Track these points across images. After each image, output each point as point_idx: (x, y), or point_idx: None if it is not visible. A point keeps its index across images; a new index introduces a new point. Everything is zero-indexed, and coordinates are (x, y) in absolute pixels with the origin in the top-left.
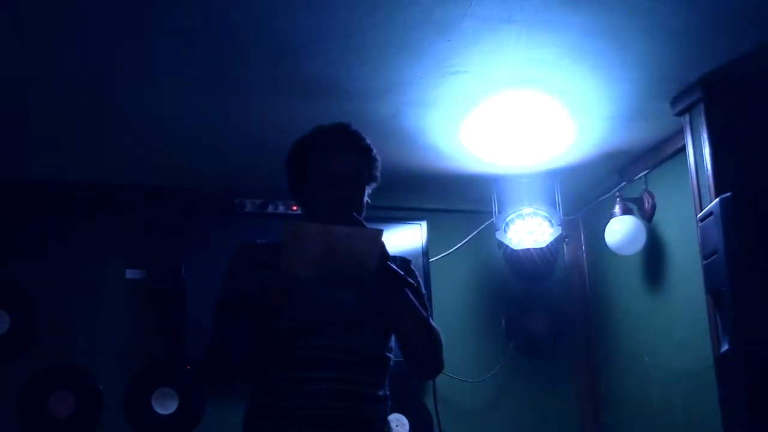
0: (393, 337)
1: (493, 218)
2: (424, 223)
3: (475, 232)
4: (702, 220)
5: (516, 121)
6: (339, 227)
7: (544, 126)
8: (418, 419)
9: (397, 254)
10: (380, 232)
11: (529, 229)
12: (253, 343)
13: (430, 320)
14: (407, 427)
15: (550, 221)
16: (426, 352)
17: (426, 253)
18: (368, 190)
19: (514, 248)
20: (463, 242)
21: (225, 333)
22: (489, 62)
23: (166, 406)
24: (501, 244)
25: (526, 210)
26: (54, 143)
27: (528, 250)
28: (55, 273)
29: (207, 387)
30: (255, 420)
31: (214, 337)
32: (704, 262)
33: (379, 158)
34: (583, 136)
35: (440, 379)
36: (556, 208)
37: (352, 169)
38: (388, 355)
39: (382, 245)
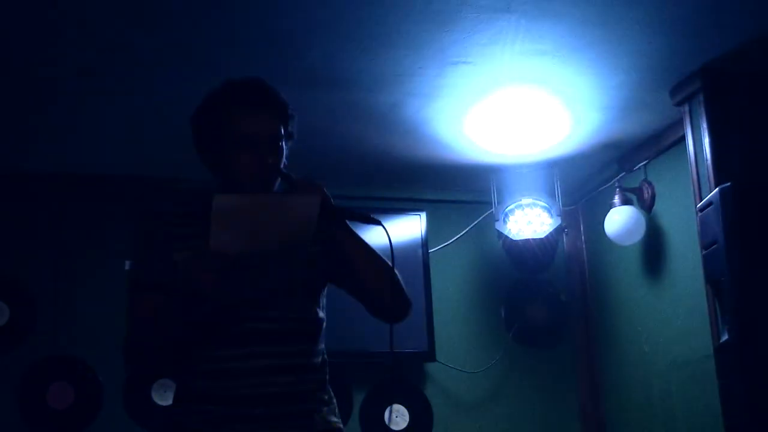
0: (324, 298)
1: (493, 209)
2: (423, 214)
3: (474, 223)
4: (701, 210)
5: (516, 112)
6: (270, 195)
7: (544, 116)
8: (418, 409)
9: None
10: (316, 197)
11: (528, 220)
12: (174, 324)
13: (378, 254)
14: (407, 417)
15: (549, 212)
16: (386, 285)
17: (426, 243)
18: (286, 151)
19: (514, 239)
20: (462, 233)
21: (141, 314)
22: (488, 52)
23: (165, 398)
24: (500, 235)
25: (525, 200)
26: (54, 135)
27: (527, 240)
28: (55, 264)
29: (133, 374)
30: (182, 405)
31: (130, 319)
32: (704, 252)
33: (296, 114)
34: (582, 126)
35: (440, 370)
36: (555, 198)
37: (269, 131)
38: (321, 316)
39: (317, 209)
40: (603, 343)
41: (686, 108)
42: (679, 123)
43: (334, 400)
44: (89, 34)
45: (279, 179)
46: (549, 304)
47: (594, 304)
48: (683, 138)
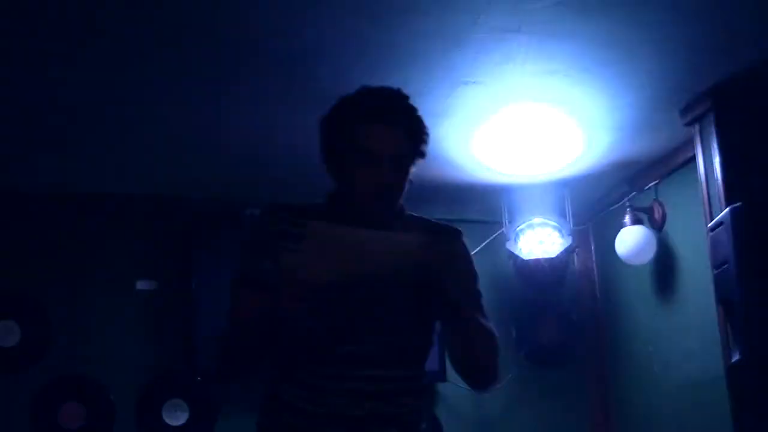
0: (432, 327)
1: (504, 228)
2: None
3: (485, 243)
4: (712, 229)
5: (526, 132)
6: (367, 231)
7: (554, 136)
8: (428, 430)
9: (445, 225)
10: (413, 240)
11: (539, 240)
12: (273, 327)
13: (485, 323)
14: None
15: (560, 231)
16: (488, 368)
17: None
18: (413, 169)
19: (525, 258)
20: (473, 252)
21: (242, 312)
22: (499, 73)
23: (176, 418)
24: (511, 255)
25: (536, 220)
26: (66, 154)
27: (538, 260)
28: (67, 284)
29: (215, 384)
30: (273, 418)
31: (230, 320)
32: (715, 272)
33: (428, 131)
34: (593, 146)
35: (451, 389)
36: (566, 218)
37: (393, 149)
38: (429, 343)
39: (417, 253)
40: (614, 362)
41: (697, 128)
42: (689, 143)
43: (426, 427)
44: (100, 56)
45: (400, 198)
46: (560, 324)
47: (605, 323)
48: (694, 158)
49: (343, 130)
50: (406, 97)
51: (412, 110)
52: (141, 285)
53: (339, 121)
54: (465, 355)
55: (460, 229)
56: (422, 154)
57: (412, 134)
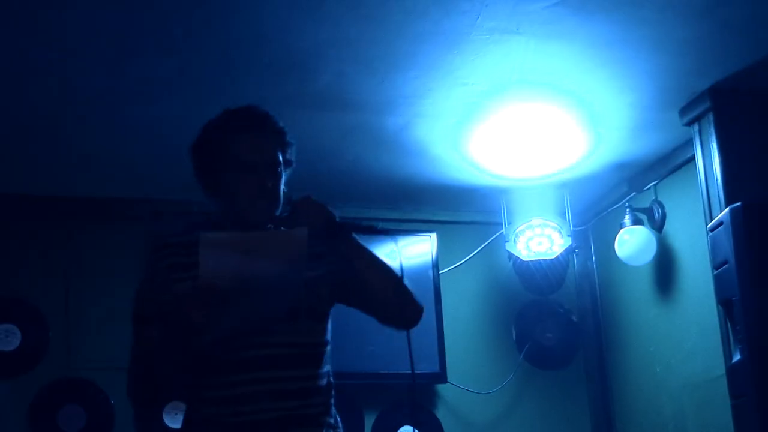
0: (329, 323)
1: (503, 229)
2: (434, 235)
3: (485, 244)
4: (712, 229)
5: (525, 132)
6: (255, 233)
7: (553, 137)
8: (429, 431)
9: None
10: (304, 230)
11: (539, 241)
12: (173, 356)
13: (385, 261)
14: None
15: (559, 232)
16: (399, 294)
17: (436, 264)
18: (285, 177)
19: (524, 259)
20: (473, 254)
21: (142, 350)
22: (497, 74)
23: (177, 420)
24: (511, 256)
25: (536, 221)
26: (67, 158)
27: (538, 261)
28: (67, 287)
29: (139, 406)
30: (192, 431)
31: (132, 355)
32: (715, 272)
33: (294, 142)
34: (592, 146)
35: (451, 391)
36: (565, 218)
37: (268, 156)
38: (326, 339)
39: (306, 242)
40: (614, 363)
41: (696, 128)
42: (689, 143)
43: (341, 424)
44: (97, 59)
45: (281, 204)
46: (560, 325)
47: (605, 324)
48: (693, 158)
49: (218, 147)
50: (267, 112)
51: (275, 121)
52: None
53: (213, 140)
54: (373, 283)
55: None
56: (290, 162)
57: (280, 142)
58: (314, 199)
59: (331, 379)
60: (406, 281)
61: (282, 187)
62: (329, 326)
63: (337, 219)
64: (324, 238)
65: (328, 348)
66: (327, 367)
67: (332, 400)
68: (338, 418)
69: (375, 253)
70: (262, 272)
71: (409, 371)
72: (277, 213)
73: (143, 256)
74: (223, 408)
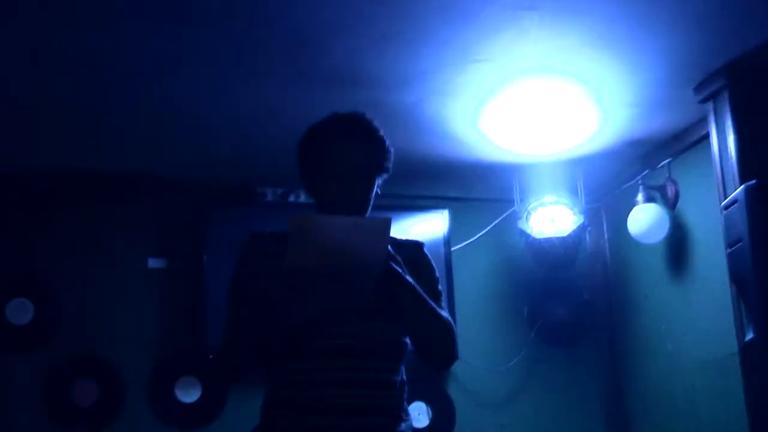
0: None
1: (515, 207)
2: (446, 212)
3: (497, 221)
4: (726, 207)
5: (538, 109)
6: (345, 217)
7: (567, 114)
8: (440, 408)
9: (409, 240)
10: (388, 221)
11: (551, 218)
12: (263, 335)
13: (439, 310)
14: (428, 415)
15: (572, 209)
16: (437, 345)
17: (448, 241)
18: (379, 182)
19: (537, 237)
20: (485, 231)
21: (235, 324)
22: (511, 50)
23: (189, 395)
24: (523, 233)
25: (548, 198)
26: (78, 133)
27: (550, 238)
28: (79, 262)
29: (224, 381)
30: (270, 411)
31: (225, 329)
32: (728, 251)
33: (392, 149)
34: (606, 123)
35: (463, 368)
36: (578, 196)
37: (356, 162)
38: (404, 340)
39: (389, 232)
40: (626, 341)
41: (711, 105)
42: (703, 120)
43: (410, 418)
44: (115, 34)
45: (368, 210)
46: (572, 302)
47: (617, 302)
48: (708, 135)
49: (313, 150)
50: (368, 119)
51: (373, 128)
52: (153, 263)
53: (310, 142)
54: (417, 334)
55: (422, 242)
56: (386, 170)
57: (373, 148)
58: (425, 252)
59: (405, 379)
60: (454, 331)
61: (373, 193)
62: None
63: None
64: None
65: (406, 349)
66: (402, 367)
67: (405, 395)
68: (408, 412)
69: (429, 303)
70: (347, 257)
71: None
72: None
73: (240, 243)
74: (300, 391)
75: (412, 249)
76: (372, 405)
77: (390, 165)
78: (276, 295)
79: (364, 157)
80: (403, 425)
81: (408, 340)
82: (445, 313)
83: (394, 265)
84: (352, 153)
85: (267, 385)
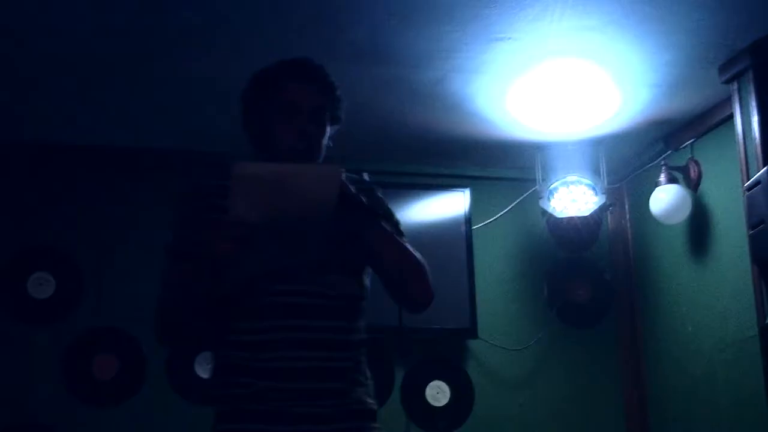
0: (366, 280)
1: (537, 186)
2: (467, 191)
3: (518, 200)
4: (749, 189)
5: (562, 89)
6: (290, 165)
7: (590, 93)
8: (459, 387)
9: (354, 177)
10: (338, 169)
11: (573, 198)
12: (204, 294)
13: (409, 247)
14: (447, 393)
15: (594, 189)
16: (411, 282)
17: (469, 220)
18: (329, 132)
19: (558, 216)
20: (506, 210)
21: (174, 282)
22: (535, 29)
23: (208, 370)
24: (545, 212)
25: (570, 178)
26: (102, 108)
27: (571, 218)
28: (101, 237)
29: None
30: (220, 379)
31: (162, 287)
32: (750, 232)
33: (344, 99)
34: (629, 103)
35: (482, 347)
36: (600, 176)
37: (313, 102)
38: (360, 294)
39: (340, 181)
40: (647, 322)
41: (735, 86)
42: (727, 101)
43: (371, 381)
44: (133, 10)
45: (321, 155)
46: (592, 283)
47: (638, 282)
48: (731, 116)
49: (266, 90)
50: (319, 64)
51: (326, 73)
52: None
53: (261, 84)
54: (387, 268)
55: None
56: (339, 120)
57: (327, 92)
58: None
59: (364, 336)
60: (425, 267)
61: (325, 140)
62: (366, 281)
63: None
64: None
65: (363, 303)
66: (360, 323)
67: (363, 357)
68: (369, 374)
69: (394, 237)
70: (294, 207)
71: (439, 326)
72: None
73: (178, 196)
74: (251, 353)
75: (363, 191)
76: (325, 367)
77: (342, 115)
78: (218, 249)
79: (318, 100)
80: (360, 390)
81: (363, 294)
82: (414, 250)
83: (350, 192)
84: (306, 94)
85: (214, 354)
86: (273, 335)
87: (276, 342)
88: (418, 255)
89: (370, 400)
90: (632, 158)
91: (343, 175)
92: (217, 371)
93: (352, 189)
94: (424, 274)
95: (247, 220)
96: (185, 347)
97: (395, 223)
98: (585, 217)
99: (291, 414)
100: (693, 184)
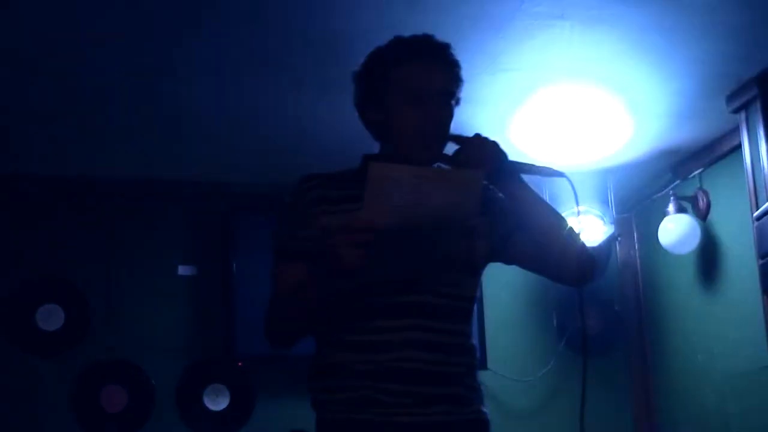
0: (480, 282)
1: None
2: None
3: None
4: (758, 219)
5: (569, 119)
6: (430, 169)
7: (597, 123)
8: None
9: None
10: (480, 175)
11: (581, 227)
12: (316, 299)
13: (553, 208)
14: None
15: (602, 219)
16: (574, 250)
17: None
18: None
19: None
20: None
21: (283, 285)
22: (541, 59)
23: (217, 402)
24: None
25: (579, 208)
26: (108, 139)
27: None
28: (109, 269)
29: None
30: (322, 382)
31: (272, 290)
32: (761, 262)
33: (464, 80)
34: (638, 133)
35: (491, 378)
36: (608, 206)
37: (442, 86)
38: (475, 295)
39: (482, 187)
40: (657, 352)
41: (743, 116)
42: (735, 131)
43: (481, 389)
44: (142, 38)
45: (447, 141)
46: (602, 313)
47: (647, 313)
48: (740, 146)
49: (388, 73)
50: (444, 43)
51: (451, 51)
52: (182, 270)
53: (381, 65)
54: (549, 240)
55: None
56: (458, 101)
57: (453, 74)
58: (485, 137)
59: (473, 341)
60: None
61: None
62: (480, 283)
63: (509, 159)
64: (494, 180)
65: (475, 306)
66: (471, 328)
67: (476, 362)
68: (480, 382)
69: (544, 199)
70: (431, 215)
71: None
72: (443, 151)
73: (290, 195)
74: (361, 355)
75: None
76: (437, 372)
77: (461, 96)
78: (344, 255)
79: (446, 82)
80: (475, 396)
81: (477, 296)
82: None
83: (494, 197)
84: (434, 77)
85: (317, 352)
86: (387, 335)
87: (390, 343)
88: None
89: (484, 410)
90: (641, 188)
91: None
92: (318, 372)
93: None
94: (577, 237)
95: (379, 225)
96: (291, 343)
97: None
98: (594, 247)
99: (402, 425)
100: (702, 214)
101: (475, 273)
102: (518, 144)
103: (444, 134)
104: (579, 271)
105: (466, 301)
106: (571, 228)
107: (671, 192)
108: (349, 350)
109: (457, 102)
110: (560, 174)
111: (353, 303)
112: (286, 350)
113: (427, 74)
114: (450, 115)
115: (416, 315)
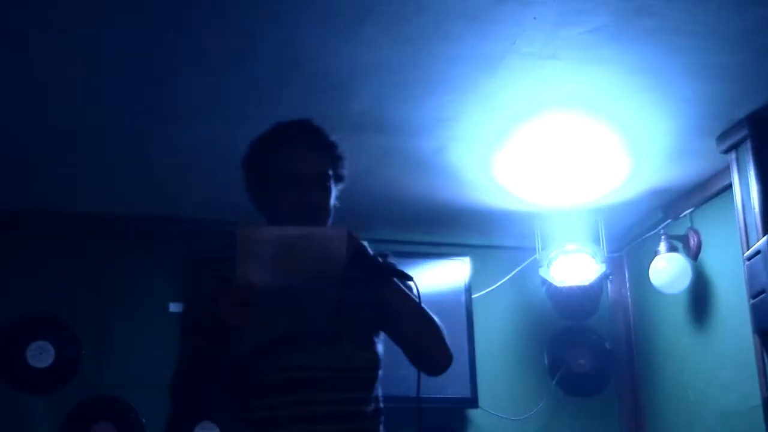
0: (379, 347)
1: (537, 254)
2: (467, 259)
3: (518, 269)
4: (749, 258)
5: (560, 158)
6: (295, 228)
7: (588, 163)
8: None
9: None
10: (345, 230)
11: (572, 266)
12: (216, 367)
13: (425, 308)
14: None
15: (594, 258)
16: (433, 342)
17: (469, 289)
18: (335, 192)
19: (558, 285)
20: (506, 278)
21: (189, 356)
22: (533, 99)
23: None
24: (544, 281)
25: (569, 247)
26: (101, 176)
27: (572, 287)
28: (101, 305)
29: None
30: None
31: (178, 361)
32: (751, 302)
33: (345, 156)
34: (628, 172)
35: (482, 417)
36: (600, 245)
37: (315, 169)
38: (375, 364)
39: (349, 242)
40: (648, 391)
41: (733, 155)
42: (726, 170)
43: None
44: (138, 84)
45: (328, 219)
46: (593, 352)
47: (639, 352)
48: (730, 185)
49: (265, 159)
50: (318, 126)
51: (326, 134)
52: (174, 307)
53: (260, 152)
54: (406, 329)
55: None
56: (342, 178)
57: (329, 155)
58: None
59: (380, 405)
60: (442, 329)
61: (332, 202)
62: (379, 351)
63: (372, 253)
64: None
65: (378, 373)
66: (376, 392)
67: (380, 426)
68: None
69: (413, 298)
70: (303, 270)
71: (439, 395)
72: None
73: (186, 271)
74: (264, 430)
75: (381, 254)
76: None
77: (345, 173)
78: (225, 315)
79: (320, 165)
80: None
81: (378, 363)
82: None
83: (365, 251)
84: (309, 158)
85: (226, 426)
86: (280, 411)
87: (284, 418)
88: (433, 316)
89: None
90: (632, 227)
91: (351, 235)
92: None
93: (369, 250)
94: (442, 335)
95: (255, 284)
96: (195, 413)
97: (410, 287)
98: (585, 286)
99: None
100: (693, 254)
101: (366, 344)
102: (508, 183)
103: (320, 214)
104: (437, 365)
105: (362, 371)
106: (436, 330)
107: (662, 231)
108: (253, 427)
109: (340, 179)
110: (409, 278)
111: (249, 380)
112: (185, 414)
113: (301, 158)
114: (325, 196)
115: (309, 390)
